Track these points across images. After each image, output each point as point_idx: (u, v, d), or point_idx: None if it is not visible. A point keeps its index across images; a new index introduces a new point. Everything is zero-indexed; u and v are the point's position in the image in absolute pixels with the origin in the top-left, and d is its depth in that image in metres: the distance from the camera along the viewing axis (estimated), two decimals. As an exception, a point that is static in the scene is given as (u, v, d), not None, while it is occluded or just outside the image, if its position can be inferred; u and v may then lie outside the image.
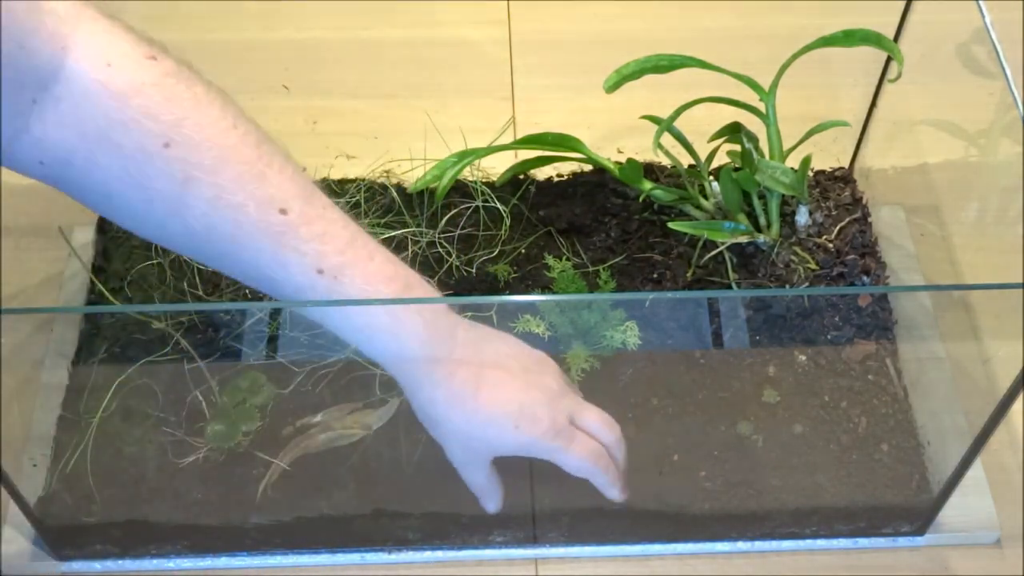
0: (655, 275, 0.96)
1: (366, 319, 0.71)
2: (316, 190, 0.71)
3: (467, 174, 1.01)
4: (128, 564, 0.88)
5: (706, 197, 0.97)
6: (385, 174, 1.04)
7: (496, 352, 0.78)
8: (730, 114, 0.92)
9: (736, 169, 0.92)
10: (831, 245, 0.96)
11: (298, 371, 0.91)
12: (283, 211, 0.67)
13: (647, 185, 0.96)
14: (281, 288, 0.70)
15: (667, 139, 0.93)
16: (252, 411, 0.89)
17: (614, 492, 0.82)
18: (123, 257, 1.00)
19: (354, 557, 0.88)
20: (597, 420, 0.81)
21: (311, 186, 0.71)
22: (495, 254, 0.99)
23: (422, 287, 0.74)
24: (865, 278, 0.95)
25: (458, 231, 1.00)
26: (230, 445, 0.87)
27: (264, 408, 0.89)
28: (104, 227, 1.03)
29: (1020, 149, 0.92)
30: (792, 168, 0.90)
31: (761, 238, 0.95)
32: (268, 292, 0.71)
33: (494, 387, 0.76)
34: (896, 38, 0.95)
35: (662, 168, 1.04)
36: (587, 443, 0.79)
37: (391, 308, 0.70)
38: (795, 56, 0.89)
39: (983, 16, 0.81)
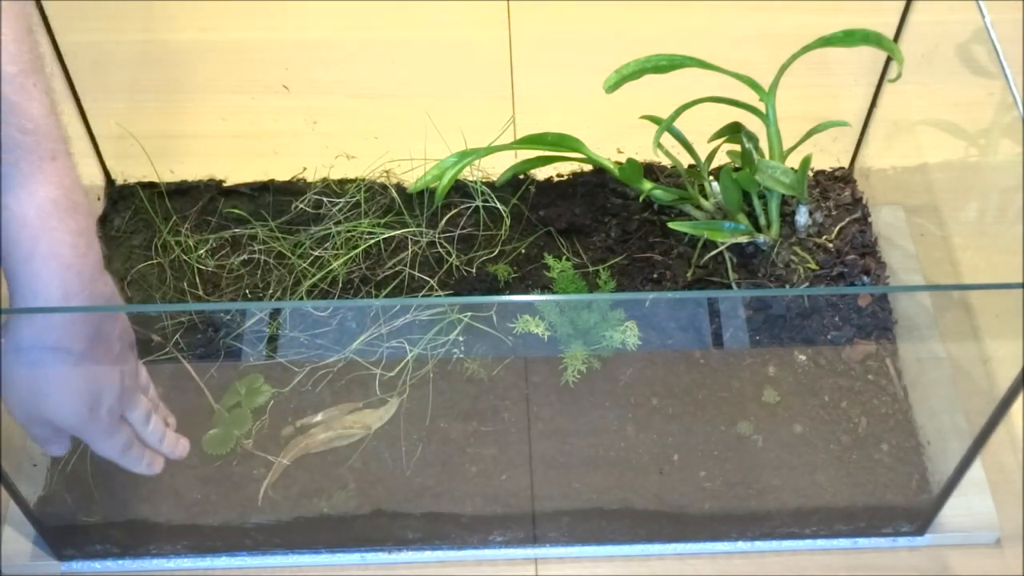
0: (655, 275, 0.96)
1: (14, 199, 0.65)
2: (43, 73, 0.67)
3: (467, 174, 1.01)
4: (128, 564, 0.88)
5: (706, 197, 0.97)
6: (385, 174, 1.04)
7: (112, 328, 0.74)
8: (730, 114, 0.92)
9: (736, 169, 0.92)
10: (831, 245, 0.96)
11: (298, 371, 0.91)
12: None
13: (647, 185, 0.96)
14: None
15: (667, 139, 0.93)
16: (246, 415, 0.89)
17: (140, 466, 0.79)
18: (123, 257, 1.00)
19: (354, 557, 0.88)
20: (140, 415, 0.79)
21: (40, 65, 0.66)
22: (495, 254, 0.99)
23: (88, 221, 0.69)
24: (865, 278, 0.95)
25: (458, 231, 1.00)
26: (226, 452, 0.87)
27: (260, 411, 0.89)
28: (104, 227, 1.03)
29: (1020, 149, 0.92)
30: (792, 168, 0.90)
31: (761, 238, 0.95)
32: None
33: (94, 366, 0.72)
34: (896, 38, 0.95)
35: (662, 168, 1.04)
36: (125, 435, 0.77)
37: (45, 208, 0.65)
38: (795, 56, 0.89)
39: (983, 16, 0.81)
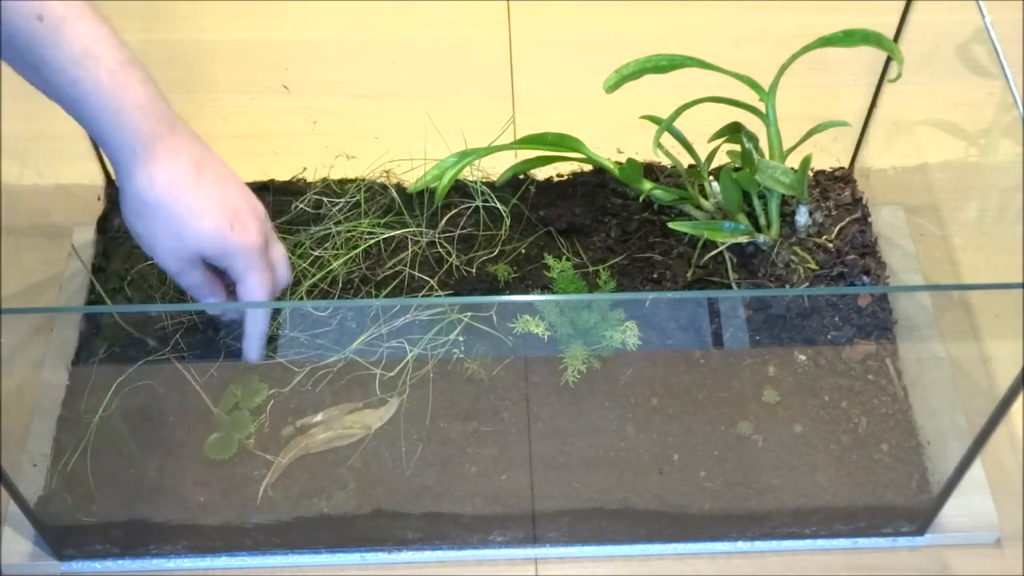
0: (655, 275, 0.96)
1: (83, 71, 0.67)
2: None
3: (467, 174, 1.01)
4: (128, 564, 0.88)
5: (706, 197, 0.97)
6: (385, 174, 1.04)
7: (211, 153, 0.76)
8: (730, 114, 0.92)
9: (736, 169, 0.92)
10: (831, 245, 0.96)
11: (298, 371, 0.91)
12: None
13: (647, 185, 0.96)
14: (5, 36, 0.67)
15: (667, 139, 0.93)
16: (246, 418, 0.89)
17: (253, 350, 0.80)
18: (123, 257, 1.00)
19: (354, 557, 0.88)
20: (283, 256, 0.80)
21: None
22: (495, 254, 0.99)
23: (148, 73, 0.71)
24: (865, 278, 0.95)
25: (458, 231, 1.00)
26: (229, 456, 0.87)
27: (258, 412, 0.89)
28: (104, 227, 1.03)
29: (1020, 149, 0.92)
30: (792, 168, 0.90)
31: (761, 238, 0.95)
32: None
33: (215, 182, 0.73)
34: (896, 38, 0.95)
35: (662, 168, 1.04)
36: (271, 276, 0.78)
37: (112, 67, 0.68)
38: (795, 56, 0.89)
39: (983, 16, 0.81)
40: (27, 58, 0.68)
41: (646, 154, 0.97)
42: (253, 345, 0.80)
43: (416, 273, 0.97)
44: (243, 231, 0.75)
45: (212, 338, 0.93)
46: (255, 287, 0.77)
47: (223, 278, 0.79)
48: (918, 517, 0.88)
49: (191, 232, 0.73)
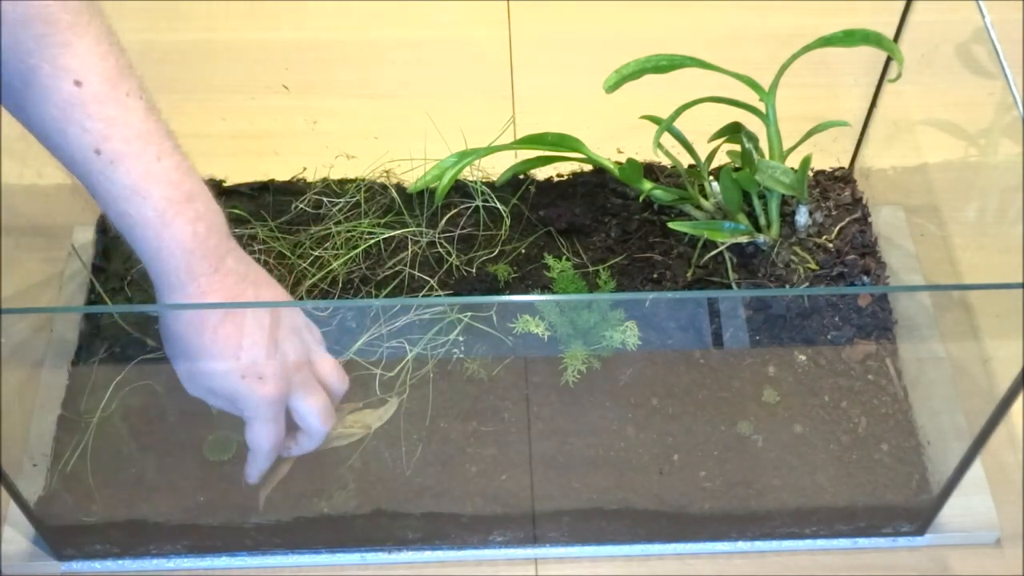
0: (655, 275, 0.96)
1: (132, 208, 0.70)
2: (132, 77, 0.70)
3: (467, 174, 1.01)
4: (128, 564, 0.88)
5: (706, 197, 0.97)
6: (385, 174, 1.04)
7: (256, 295, 0.77)
8: (730, 114, 0.92)
9: (736, 169, 0.92)
10: (831, 245, 0.96)
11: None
12: (77, 83, 0.67)
13: (647, 185, 0.96)
14: (60, 156, 0.70)
15: (667, 139, 0.93)
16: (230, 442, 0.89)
17: (250, 471, 0.83)
18: (123, 257, 1.00)
19: (354, 557, 0.88)
20: (332, 369, 0.82)
21: (127, 72, 0.70)
22: (495, 254, 0.99)
23: (208, 206, 0.74)
24: (865, 278, 0.95)
25: (458, 231, 1.00)
26: (228, 457, 0.87)
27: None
28: (104, 227, 1.03)
29: (1020, 149, 0.92)
30: (792, 168, 0.90)
31: (761, 238, 0.95)
32: (52, 153, 0.71)
33: (238, 327, 0.75)
34: (896, 38, 0.95)
35: (662, 168, 1.04)
36: (281, 430, 0.80)
37: (160, 205, 0.70)
38: (795, 56, 0.89)
39: (983, 16, 0.81)
40: (84, 183, 0.71)
41: (646, 154, 0.97)
42: (254, 470, 0.83)
43: (416, 273, 0.97)
44: (255, 382, 0.76)
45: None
46: (258, 438, 0.80)
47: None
48: (918, 517, 0.88)
49: (203, 373, 0.76)
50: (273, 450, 0.81)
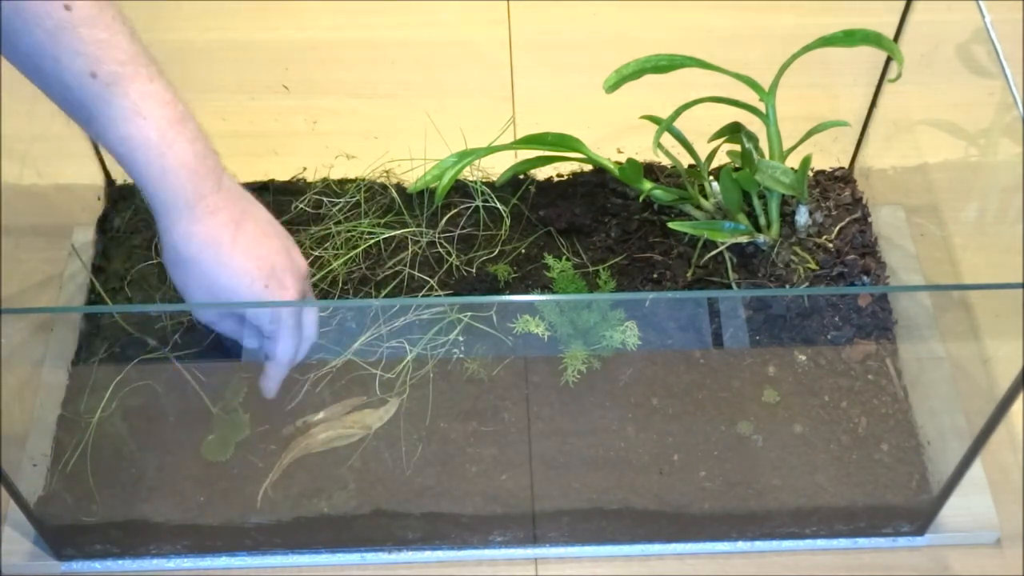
0: (655, 275, 0.96)
1: (134, 128, 0.70)
2: (113, 4, 0.69)
3: (467, 174, 1.01)
4: (128, 564, 0.88)
5: (706, 197, 0.97)
6: (385, 174, 1.04)
7: (256, 209, 0.78)
8: (730, 114, 0.92)
9: (736, 169, 0.92)
10: (831, 245, 0.96)
11: (298, 371, 0.91)
12: (67, 7, 0.67)
13: (647, 185, 0.96)
14: (54, 84, 0.69)
15: (667, 139, 0.93)
16: (243, 421, 0.89)
17: (271, 385, 0.82)
18: (123, 257, 1.00)
19: (354, 557, 0.88)
20: (312, 316, 0.81)
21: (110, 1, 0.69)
22: (495, 254, 0.99)
23: (199, 126, 0.73)
24: (865, 278, 0.95)
25: (458, 231, 1.00)
26: (226, 458, 0.87)
27: (257, 414, 0.89)
28: (104, 227, 1.03)
29: (1020, 149, 0.92)
30: (792, 168, 0.90)
31: (761, 238, 0.95)
32: (44, 88, 0.70)
33: (253, 239, 0.75)
34: (896, 38, 0.95)
35: (662, 168, 1.04)
36: (299, 337, 0.80)
37: (160, 125, 0.70)
38: (795, 56, 0.89)
39: (983, 16, 0.81)
40: (80, 112, 0.70)
41: (646, 154, 0.97)
42: (271, 383, 0.82)
43: (416, 273, 0.97)
44: (278, 289, 0.76)
45: (211, 338, 0.93)
46: (284, 346, 0.79)
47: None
48: (918, 517, 0.88)
49: (220, 291, 0.75)
50: (293, 360, 0.80)
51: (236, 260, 0.74)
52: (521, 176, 1.03)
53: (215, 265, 0.74)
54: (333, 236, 0.99)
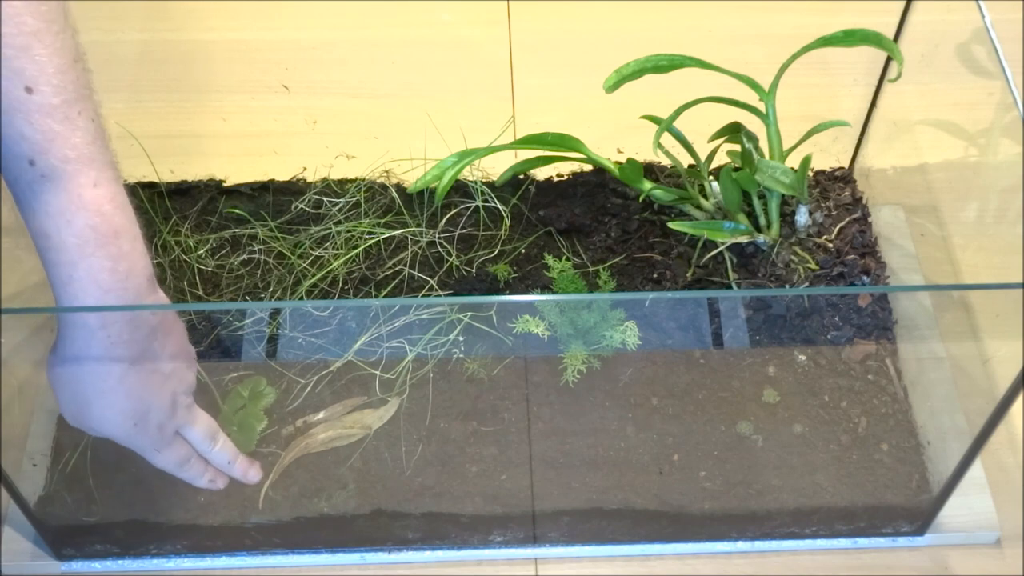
0: (655, 275, 0.96)
1: (53, 228, 0.67)
2: (89, 100, 0.68)
3: (467, 174, 1.01)
4: (128, 564, 0.88)
5: (706, 197, 0.97)
6: (385, 174, 1.04)
7: (165, 344, 0.75)
8: (730, 114, 0.92)
9: (736, 169, 0.92)
10: (831, 245, 0.96)
11: (298, 371, 0.91)
12: (28, 89, 0.64)
13: (647, 185, 0.96)
14: None
15: (667, 139, 0.93)
16: (253, 423, 0.89)
17: (201, 482, 0.82)
18: (123, 257, 1.00)
19: (354, 557, 0.88)
20: (200, 434, 0.80)
21: (85, 93, 0.67)
22: (495, 254, 0.99)
23: (135, 247, 0.70)
24: (865, 278, 0.95)
25: (458, 231, 1.00)
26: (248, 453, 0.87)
27: (267, 415, 0.89)
28: (104, 227, 1.03)
29: (1020, 149, 0.92)
30: (792, 168, 0.90)
31: (761, 238, 0.95)
32: None
33: (140, 382, 0.73)
34: (896, 38, 0.95)
35: (662, 168, 1.04)
36: (180, 451, 0.79)
37: (83, 235, 0.67)
38: (795, 56, 0.89)
39: (983, 16, 0.81)
40: (12, 188, 0.68)
41: (646, 154, 0.97)
42: (191, 481, 0.82)
43: (416, 273, 0.97)
44: (144, 429, 0.75)
45: (212, 337, 0.93)
46: (165, 464, 0.79)
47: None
48: (918, 517, 0.88)
49: (87, 417, 0.74)
50: (183, 464, 0.80)
51: (117, 400, 0.73)
52: (521, 176, 1.03)
53: (95, 395, 0.72)
54: (333, 236, 0.99)
